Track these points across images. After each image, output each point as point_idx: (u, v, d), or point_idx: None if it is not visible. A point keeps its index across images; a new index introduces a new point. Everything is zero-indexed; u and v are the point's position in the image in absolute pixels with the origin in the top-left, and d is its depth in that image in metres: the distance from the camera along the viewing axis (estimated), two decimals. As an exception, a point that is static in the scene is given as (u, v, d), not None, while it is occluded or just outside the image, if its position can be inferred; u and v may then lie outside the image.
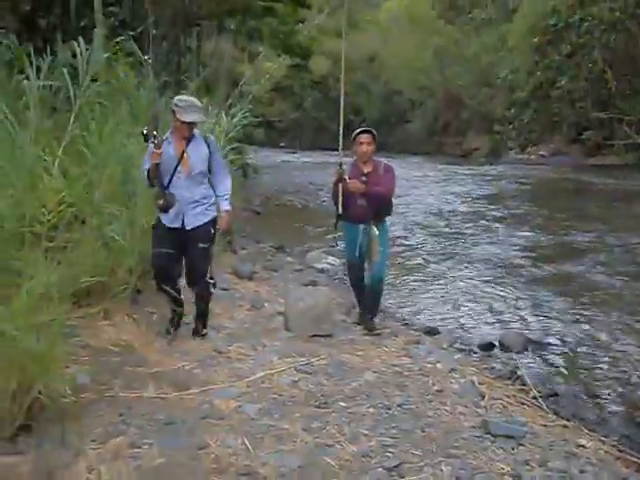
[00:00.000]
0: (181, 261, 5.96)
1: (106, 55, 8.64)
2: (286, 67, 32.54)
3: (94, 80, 7.38)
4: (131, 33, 10.59)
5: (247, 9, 21.41)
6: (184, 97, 5.89)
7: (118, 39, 9.90)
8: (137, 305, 6.31)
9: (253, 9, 21.65)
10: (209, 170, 5.91)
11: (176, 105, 5.65)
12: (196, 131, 5.89)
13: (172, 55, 18.91)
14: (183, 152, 5.76)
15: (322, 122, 56.19)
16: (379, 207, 6.69)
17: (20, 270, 4.36)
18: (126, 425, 4.15)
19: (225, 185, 6.03)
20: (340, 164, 6.52)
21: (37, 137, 6.06)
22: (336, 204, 6.65)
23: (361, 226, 6.64)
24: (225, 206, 6.01)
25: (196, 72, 19.36)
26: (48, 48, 8.37)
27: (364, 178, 6.64)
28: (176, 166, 5.74)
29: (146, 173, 5.74)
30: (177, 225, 5.77)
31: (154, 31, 15.70)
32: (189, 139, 5.81)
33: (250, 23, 24.18)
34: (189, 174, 5.76)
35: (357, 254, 6.80)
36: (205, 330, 6.14)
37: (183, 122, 5.65)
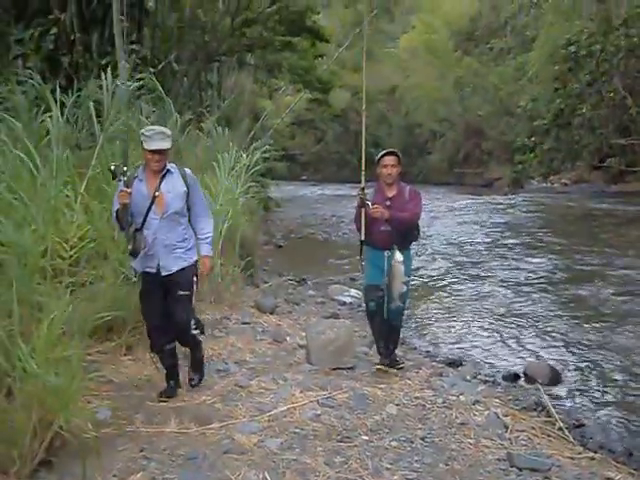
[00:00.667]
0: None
1: (129, 89, 8.76)
2: (306, 101, 32.79)
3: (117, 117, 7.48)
4: (152, 70, 10.69)
5: (266, 44, 21.59)
6: (152, 126, 5.38)
7: (140, 76, 10.03)
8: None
9: (272, 44, 21.81)
10: (188, 209, 5.31)
11: (143, 134, 5.10)
12: (172, 165, 5.33)
13: (194, 90, 19.10)
14: (156, 190, 5.14)
15: (343, 155, 56.39)
16: (405, 233, 6.37)
17: (42, 305, 4.38)
18: (147, 460, 4.13)
19: (206, 226, 5.48)
20: (362, 188, 6.31)
21: (59, 173, 6.13)
22: (359, 229, 6.40)
23: (385, 253, 6.27)
24: (205, 250, 5.46)
25: (217, 107, 19.56)
26: (72, 86, 8.52)
27: (388, 202, 6.32)
28: (149, 206, 5.13)
29: (115, 215, 5.15)
30: (152, 270, 5.18)
31: (176, 67, 15.96)
32: (164, 174, 5.21)
33: (270, 58, 24.39)
34: (164, 214, 5.15)
35: (378, 278, 6.34)
36: (201, 379, 5.68)
37: (150, 151, 5.06)
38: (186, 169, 5.43)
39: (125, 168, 5.09)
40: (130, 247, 5.10)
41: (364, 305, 6.78)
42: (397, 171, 6.45)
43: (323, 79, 26.89)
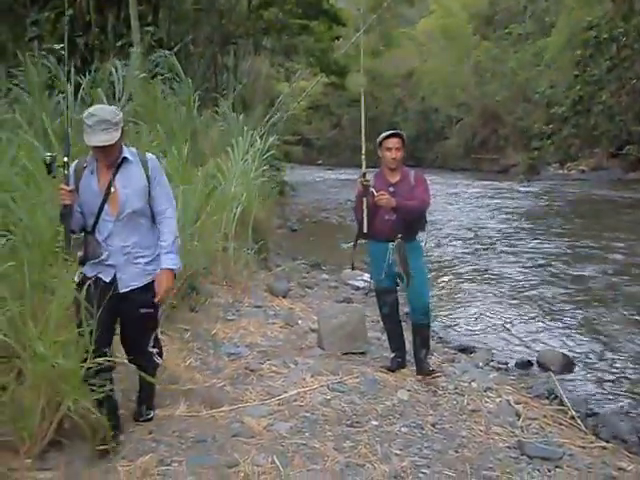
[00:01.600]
0: (113, 331, 4.33)
1: (143, 73, 8.75)
2: (323, 85, 32.70)
3: (131, 99, 7.48)
4: (168, 52, 10.68)
5: (283, 27, 21.54)
6: (95, 109, 4.06)
7: (155, 57, 10.03)
8: (170, 322, 6.30)
9: (289, 27, 21.76)
10: (150, 206, 4.24)
11: (84, 123, 3.95)
12: (131, 151, 4.25)
13: (209, 73, 19.08)
14: (109, 185, 4.08)
15: (358, 140, 56.03)
16: (411, 222, 5.79)
17: (53, 287, 4.38)
18: (156, 442, 4.13)
19: (167, 229, 4.27)
20: (364, 173, 5.70)
21: (75, 155, 6.12)
22: (359, 221, 5.76)
23: (390, 244, 5.71)
24: (166, 263, 4.22)
25: (233, 90, 19.55)
26: (88, 68, 8.52)
27: (392, 189, 5.75)
28: (101, 205, 4.09)
29: (60, 217, 4.11)
30: (105, 278, 4.15)
31: (192, 49, 15.94)
32: (119, 164, 4.12)
33: (286, 41, 24.32)
34: (120, 215, 4.11)
35: (386, 277, 5.82)
36: (151, 412, 4.52)
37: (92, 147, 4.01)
38: (148, 155, 4.35)
39: (65, 159, 4.04)
40: (81, 254, 4.15)
41: (378, 307, 6.17)
42: (401, 155, 5.87)
43: (340, 63, 26.78)
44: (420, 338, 5.93)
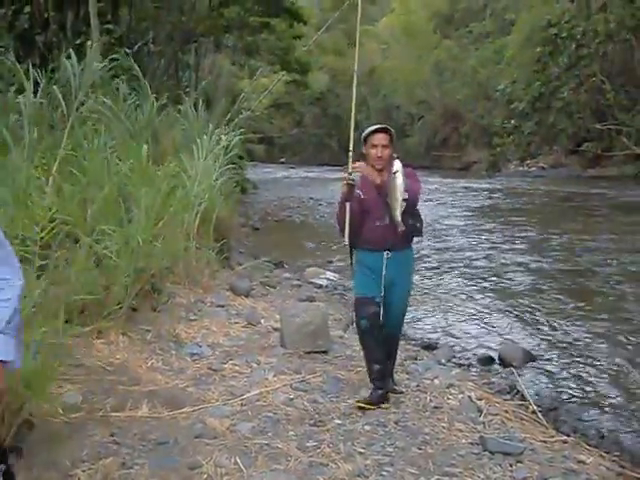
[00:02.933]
0: None
1: (101, 71, 8.65)
2: (285, 83, 32.68)
3: (88, 98, 7.38)
4: (128, 50, 10.59)
5: (244, 25, 21.48)
6: None
7: (114, 56, 9.93)
8: (132, 323, 6.25)
9: (250, 25, 21.70)
10: None
11: None
12: None
13: (171, 71, 18.97)
14: None
15: (321, 138, 56.38)
16: (407, 224, 5.07)
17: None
18: (117, 445, 4.08)
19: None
20: (349, 172, 5.15)
21: (32, 154, 6.05)
22: (342, 229, 5.16)
23: (385, 253, 5.11)
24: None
25: (195, 88, 19.45)
26: (46, 65, 8.40)
27: (377, 192, 5.13)
28: None
29: None
30: None
31: (152, 47, 15.83)
32: None
33: (247, 39, 24.25)
34: None
35: (374, 289, 5.14)
36: None
37: None
38: None
39: None
40: None
41: (351, 314, 5.72)
42: (389, 153, 5.17)
43: (301, 60, 26.78)
44: (390, 348, 5.37)
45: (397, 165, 4.95)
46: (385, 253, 5.13)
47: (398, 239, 5.12)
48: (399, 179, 4.92)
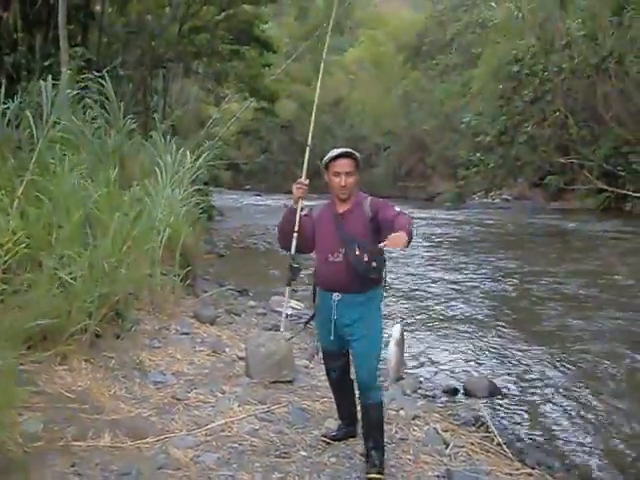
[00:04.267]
0: None
1: (72, 95, 8.61)
2: (253, 110, 32.76)
3: (58, 121, 7.32)
4: (97, 73, 10.54)
5: (214, 52, 21.54)
6: None
7: (83, 78, 9.89)
8: (95, 349, 6.14)
9: (220, 52, 21.77)
10: None
11: None
12: None
13: (139, 96, 18.92)
14: None
15: (288, 166, 56.32)
16: (369, 260, 4.41)
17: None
18: (79, 476, 3.99)
19: None
20: (302, 179, 4.81)
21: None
22: (286, 245, 4.82)
23: (334, 295, 4.53)
24: None
25: (162, 113, 19.41)
26: (14, 87, 8.32)
27: (335, 222, 4.58)
28: None
29: None
30: None
31: (121, 71, 15.77)
32: None
33: (217, 66, 24.33)
34: None
35: (332, 336, 4.58)
36: None
37: None
38: None
39: None
40: None
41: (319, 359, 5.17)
42: (354, 181, 4.59)
43: (270, 88, 26.89)
44: (368, 420, 4.63)
45: (396, 330, 4.41)
46: (335, 295, 4.53)
47: (353, 279, 4.44)
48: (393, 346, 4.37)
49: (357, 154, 4.62)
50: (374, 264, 4.43)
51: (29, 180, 6.43)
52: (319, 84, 5.30)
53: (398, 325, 4.44)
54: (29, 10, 12.11)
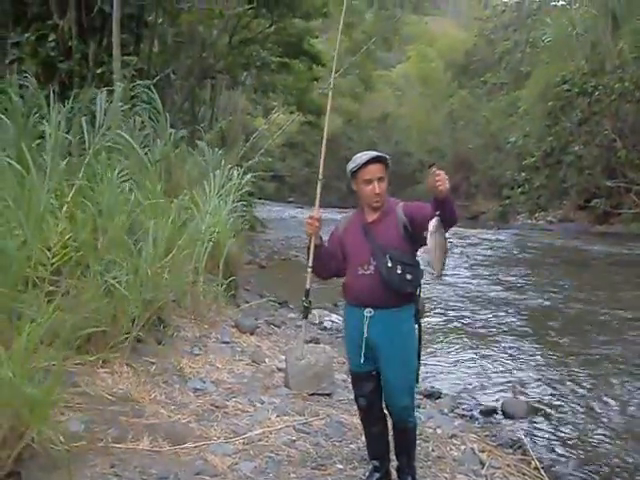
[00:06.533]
0: None
1: (125, 105, 8.76)
2: (298, 123, 32.93)
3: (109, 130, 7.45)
4: (147, 82, 10.70)
5: (263, 64, 21.72)
6: None
7: (134, 86, 10.05)
8: (137, 354, 6.22)
9: (268, 65, 21.95)
10: None
11: None
12: None
13: (187, 105, 19.14)
14: None
15: (330, 180, 56.51)
16: (403, 272, 4.11)
17: (21, 313, 4.32)
18: (118, 477, 4.04)
19: None
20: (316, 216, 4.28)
21: (49, 180, 6.08)
22: (321, 276, 4.57)
23: (366, 311, 4.20)
24: None
25: (209, 124, 19.61)
26: (67, 93, 8.49)
27: (363, 233, 4.27)
28: None
29: None
30: None
31: (171, 81, 16.00)
32: None
33: (265, 78, 24.52)
34: None
35: (362, 357, 4.24)
36: None
37: None
38: None
39: None
40: None
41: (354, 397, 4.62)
42: (386, 186, 4.27)
43: (316, 102, 27.01)
44: (400, 440, 4.44)
45: (433, 224, 3.94)
46: (367, 311, 4.19)
47: (386, 294, 4.13)
48: (438, 237, 3.98)
49: (387, 156, 4.31)
50: (408, 277, 4.14)
51: (78, 185, 6.54)
52: (327, 113, 4.92)
53: (435, 219, 3.94)
54: (84, 18, 12.32)
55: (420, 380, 4.52)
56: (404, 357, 4.23)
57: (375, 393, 4.36)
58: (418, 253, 4.16)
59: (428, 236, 3.96)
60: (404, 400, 4.27)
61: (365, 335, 4.18)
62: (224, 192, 9.59)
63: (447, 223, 4.01)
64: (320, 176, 4.50)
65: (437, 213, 3.93)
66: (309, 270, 4.42)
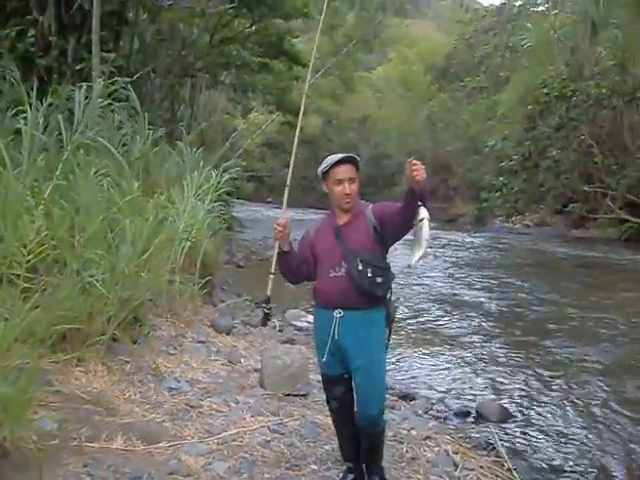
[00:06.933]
0: None
1: (104, 102, 8.72)
2: (278, 124, 32.88)
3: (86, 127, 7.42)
4: (127, 80, 10.65)
5: (243, 64, 21.68)
6: None
7: (113, 84, 10.00)
8: (112, 353, 6.20)
9: (249, 64, 21.91)
10: None
11: None
12: None
13: (166, 104, 19.06)
14: None
15: (310, 181, 56.45)
16: (373, 275, 4.10)
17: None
18: (90, 477, 4.02)
19: None
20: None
21: (25, 177, 6.05)
22: (291, 281, 4.58)
23: (335, 312, 4.14)
24: None
25: (189, 122, 19.54)
26: (45, 89, 8.42)
27: (335, 235, 4.24)
28: None
29: None
30: None
31: (152, 78, 15.93)
32: None
33: (245, 78, 24.48)
34: None
35: (333, 359, 4.24)
36: None
37: None
38: None
39: None
40: None
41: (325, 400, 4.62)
42: (357, 188, 4.26)
43: (297, 102, 26.98)
44: (367, 444, 4.39)
45: (423, 212, 4.04)
46: (336, 312, 4.13)
47: (356, 295, 4.09)
48: (426, 226, 4.05)
49: (357, 157, 4.34)
50: (379, 280, 4.12)
51: (55, 183, 6.51)
52: (299, 122, 4.81)
53: (424, 208, 4.03)
54: (64, 14, 12.25)
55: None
56: (373, 360, 4.17)
57: (347, 395, 4.33)
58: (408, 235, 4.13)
59: (424, 224, 4.02)
60: (373, 409, 4.23)
61: (334, 337, 4.13)
62: (202, 192, 9.57)
63: (369, 280, 4.09)
64: (288, 182, 4.51)
65: (420, 204, 4.00)
66: (271, 277, 4.41)
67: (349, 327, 4.12)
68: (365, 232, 4.19)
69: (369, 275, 4.09)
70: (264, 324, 4.53)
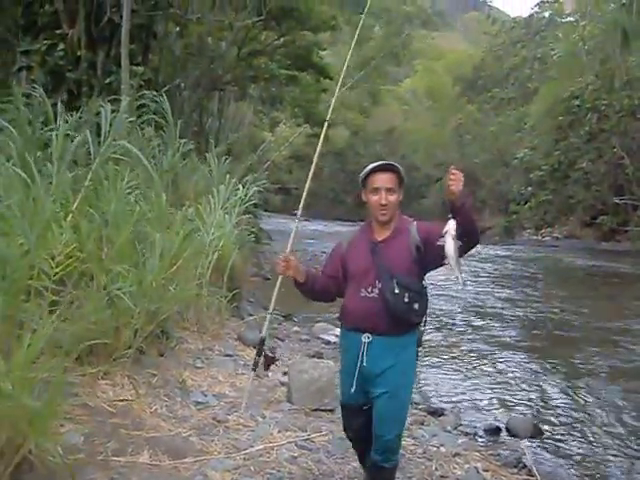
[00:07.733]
0: None
1: (131, 118, 8.76)
2: (305, 136, 32.97)
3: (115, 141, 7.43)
4: (155, 93, 10.70)
5: (271, 77, 21.77)
6: None
7: (142, 96, 10.05)
8: (139, 366, 6.18)
9: (277, 77, 21.99)
10: None
11: None
12: None
13: (195, 117, 19.15)
14: None
15: (337, 194, 56.57)
16: (407, 303, 3.79)
17: (23, 322, 4.28)
18: (116, 492, 4.01)
19: None
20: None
21: (54, 189, 6.06)
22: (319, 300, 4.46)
23: (364, 337, 3.86)
24: None
25: (216, 135, 19.62)
26: (74, 102, 8.48)
27: (372, 253, 3.91)
28: None
29: None
30: None
31: (181, 91, 16.03)
32: None
33: (273, 91, 24.59)
34: None
35: (355, 393, 3.96)
36: None
37: None
38: None
39: None
40: None
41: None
42: (396, 200, 3.94)
43: (324, 115, 27.04)
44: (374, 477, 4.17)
45: (449, 225, 3.65)
46: (364, 337, 3.85)
47: (388, 320, 3.80)
48: (449, 242, 3.63)
49: (400, 167, 3.99)
50: (416, 306, 3.83)
51: (83, 195, 6.51)
52: (321, 141, 4.75)
53: (452, 221, 3.66)
54: (93, 28, 12.36)
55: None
56: (400, 385, 3.90)
57: (365, 428, 4.05)
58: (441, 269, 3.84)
59: (447, 239, 3.64)
60: (390, 432, 3.92)
61: (362, 364, 3.86)
62: (230, 204, 9.56)
63: (465, 234, 3.69)
64: (299, 213, 4.58)
65: (450, 216, 3.67)
66: (267, 316, 4.44)
67: (377, 354, 3.85)
68: (406, 251, 3.88)
69: (406, 300, 3.80)
70: (254, 369, 4.40)
